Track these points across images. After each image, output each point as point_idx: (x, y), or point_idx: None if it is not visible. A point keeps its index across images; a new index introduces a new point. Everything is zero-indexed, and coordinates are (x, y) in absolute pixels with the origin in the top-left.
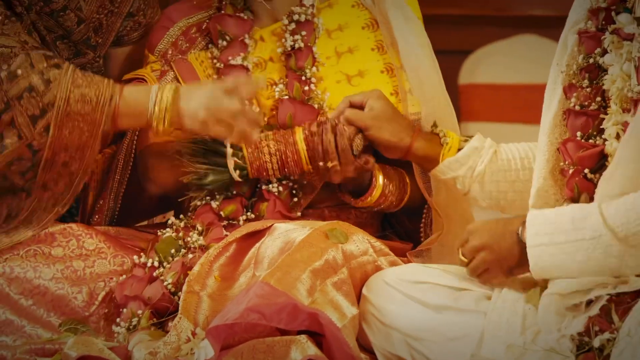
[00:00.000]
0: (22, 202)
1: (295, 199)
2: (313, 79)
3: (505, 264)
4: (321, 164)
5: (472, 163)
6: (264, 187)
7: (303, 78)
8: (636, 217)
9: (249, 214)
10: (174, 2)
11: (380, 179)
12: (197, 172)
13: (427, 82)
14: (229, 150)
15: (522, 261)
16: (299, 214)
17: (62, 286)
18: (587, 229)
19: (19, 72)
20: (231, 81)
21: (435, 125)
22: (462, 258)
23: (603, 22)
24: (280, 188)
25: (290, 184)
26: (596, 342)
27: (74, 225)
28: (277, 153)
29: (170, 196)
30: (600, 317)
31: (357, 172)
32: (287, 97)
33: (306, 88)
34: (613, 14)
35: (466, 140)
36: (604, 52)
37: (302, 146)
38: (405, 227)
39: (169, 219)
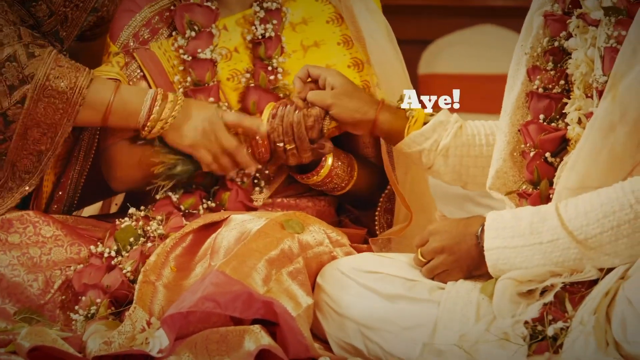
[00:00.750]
0: None
1: (258, 189)
2: (279, 69)
3: (464, 265)
4: (280, 145)
5: (437, 137)
6: (227, 176)
7: (269, 68)
8: (595, 220)
9: (209, 202)
10: None
11: (329, 160)
12: (166, 162)
13: (393, 76)
14: None
15: (480, 263)
16: (260, 203)
17: (18, 273)
18: (545, 232)
19: (5, 41)
20: (235, 117)
21: (401, 99)
22: (421, 258)
23: (570, 6)
24: (245, 178)
25: (254, 173)
26: (550, 331)
27: (31, 212)
28: (247, 139)
29: (129, 191)
30: (554, 306)
31: (314, 156)
32: (252, 85)
33: (272, 77)
34: None
35: (432, 115)
36: (569, 35)
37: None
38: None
39: (129, 209)
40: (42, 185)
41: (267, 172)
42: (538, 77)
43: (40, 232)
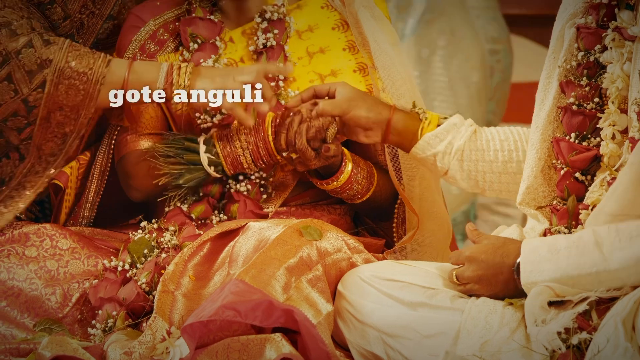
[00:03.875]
0: (15, 166)
1: (265, 196)
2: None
3: (500, 293)
4: (285, 154)
5: (450, 138)
6: (232, 188)
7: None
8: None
9: (221, 215)
10: None
11: (349, 166)
12: (172, 172)
13: (399, 80)
14: (202, 147)
15: (517, 293)
16: (271, 208)
17: (36, 287)
18: (584, 266)
19: (19, 31)
20: (231, 104)
21: (414, 105)
22: (455, 281)
23: (604, 19)
24: (249, 186)
25: (259, 180)
26: (574, 340)
27: (47, 225)
28: (249, 146)
29: (147, 199)
30: (581, 315)
31: (321, 162)
32: None
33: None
34: (616, 10)
35: (445, 118)
36: (604, 48)
37: (270, 137)
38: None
39: (141, 222)
40: (62, 202)
41: (271, 179)
42: (572, 92)
43: (57, 244)
